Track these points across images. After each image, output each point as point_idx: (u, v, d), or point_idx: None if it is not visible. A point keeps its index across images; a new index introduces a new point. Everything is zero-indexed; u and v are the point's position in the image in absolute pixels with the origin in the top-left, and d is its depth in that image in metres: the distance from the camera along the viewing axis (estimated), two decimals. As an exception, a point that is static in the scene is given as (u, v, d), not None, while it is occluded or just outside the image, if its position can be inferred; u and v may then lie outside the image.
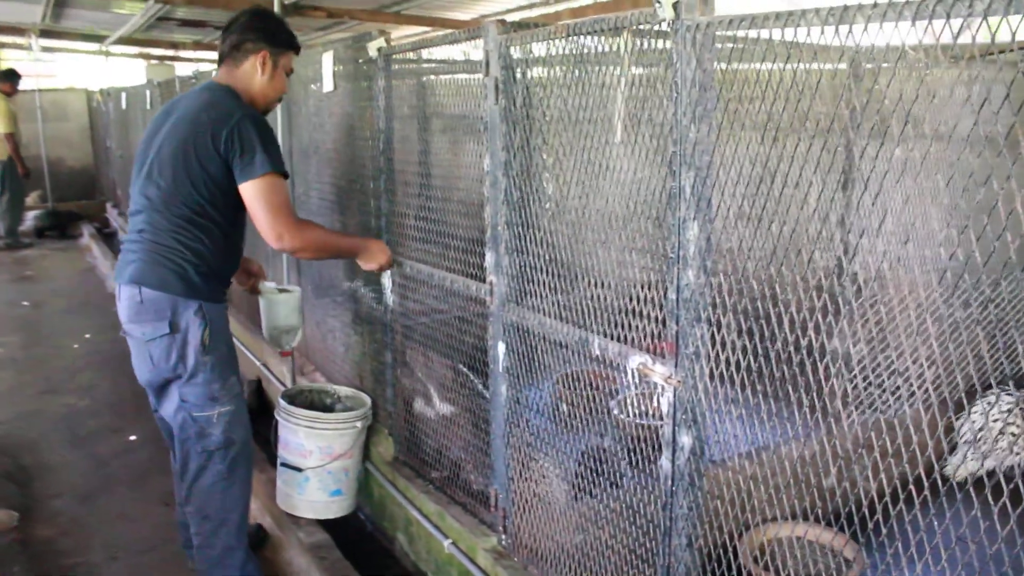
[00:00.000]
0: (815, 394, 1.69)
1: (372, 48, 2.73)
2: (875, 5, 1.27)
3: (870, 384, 2.73)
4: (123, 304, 2.41)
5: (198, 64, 10.83)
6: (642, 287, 1.77)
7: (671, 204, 1.64)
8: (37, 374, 5.07)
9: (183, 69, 11.13)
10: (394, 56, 2.69)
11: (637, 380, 1.84)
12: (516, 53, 2.14)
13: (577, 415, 2.14)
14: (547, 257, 2.06)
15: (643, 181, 1.73)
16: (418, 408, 2.91)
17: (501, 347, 2.32)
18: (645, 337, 1.80)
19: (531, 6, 6.96)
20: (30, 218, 9.95)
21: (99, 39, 9.54)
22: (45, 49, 9.84)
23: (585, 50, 1.94)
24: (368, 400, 3.11)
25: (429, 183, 2.65)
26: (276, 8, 4.18)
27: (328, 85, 3.22)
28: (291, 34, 2.56)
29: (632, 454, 1.97)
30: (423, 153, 2.81)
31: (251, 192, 2.31)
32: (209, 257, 2.38)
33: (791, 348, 1.64)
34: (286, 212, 2.35)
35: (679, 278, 1.65)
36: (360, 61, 2.98)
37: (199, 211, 2.34)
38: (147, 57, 11.11)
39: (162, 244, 2.36)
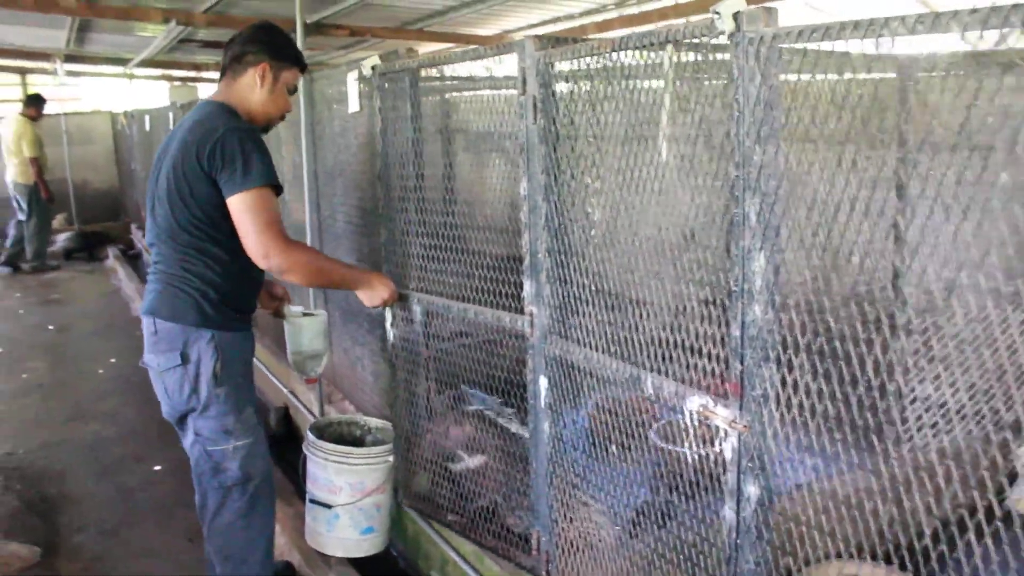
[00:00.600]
0: (874, 424, 1.54)
1: (366, 66, 2.61)
2: (974, 11, 1.13)
3: (928, 411, 2.57)
4: (144, 335, 2.36)
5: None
6: (701, 321, 1.63)
7: (734, 233, 1.51)
8: (63, 400, 4.99)
9: (206, 90, 11.14)
10: (389, 74, 2.59)
11: (696, 422, 1.69)
12: (556, 68, 2.01)
13: (615, 445, 2.00)
14: (593, 287, 1.93)
15: (701, 207, 1.59)
16: (449, 444, 2.78)
17: (543, 382, 2.18)
18: (705, 376, 1.65)
19: (555, 20, 6.87)
20: (60, 240, 9.98)
21: (123, 62, 9.56)
22: (70, 73, 9.87)
23: (632, 65, 1.81)
24: (391, 429, 2.98)
25: (452, 208, 2.52)
26: (298, 26, 4.09)
27: (353, 105, 3.12)
28: (296, 50, 2.44)
29: (681, 491, 1.82)
30: (445, 177, 2.70)
31: (236, 206, 2.16)
32: (220, 283, 2.27)
33: (862, 385, 1.49)
34: (274, 228, 2.18)
35: (744, 313, 1.51)
36: (384, 79, 2.87)
37: (202, 237, 2.24)
38: (170, 79, 11.13)
39: (173, 274, 2.28)
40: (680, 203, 1.65)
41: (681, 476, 2.03)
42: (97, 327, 6.80)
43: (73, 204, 10.74)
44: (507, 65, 2.89)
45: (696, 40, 1.58)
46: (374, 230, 3.16)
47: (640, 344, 1.81)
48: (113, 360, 5.79)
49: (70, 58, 9.11)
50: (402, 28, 6.81)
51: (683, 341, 1.68)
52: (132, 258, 9.60)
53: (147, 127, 8.38)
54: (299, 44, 3.52)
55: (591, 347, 1.97)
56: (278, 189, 2.25)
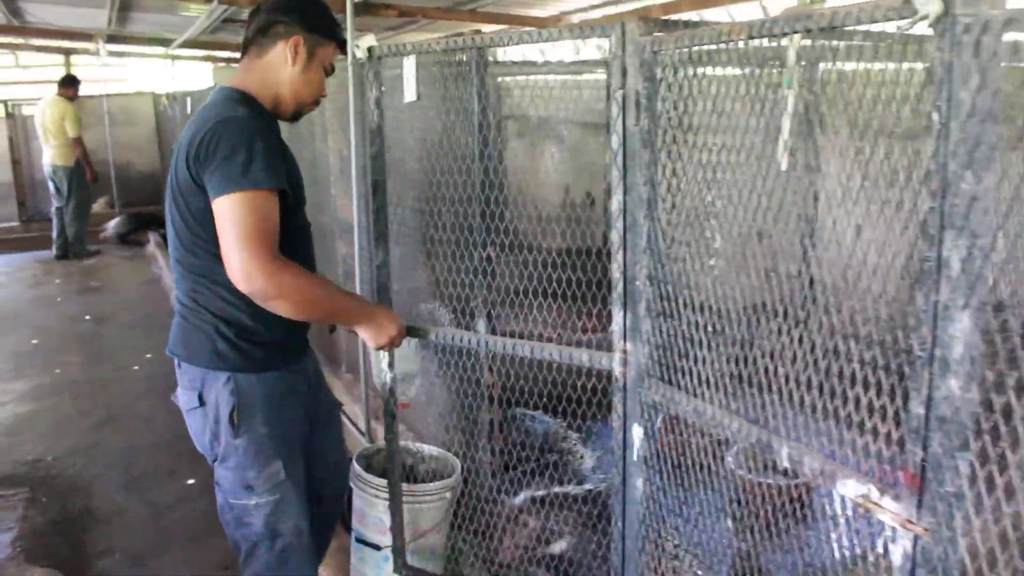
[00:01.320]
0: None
1: (361, 48, 2.20)
2: None
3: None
4: None
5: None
6: (867, 389, 1.27)
7: (922, 282, 1.15)
8: (95, 400, 4.77)
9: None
10: (385, 57, 2.23)
11: (851, 512, 1.34)
12: (664, 59, 1.65)
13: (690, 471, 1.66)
14: (711, 327, 1.57)
15: (873, 245, 1.23)
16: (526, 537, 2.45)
17: (637, 432, 1.84)
18: (867, 458, 1.30)
19: (615, 2, 6.46)
20: (111, 225, 9.83)
21: (165, 43, 9.33)
22: (112, 54, 9.69)
23: (768, 57, 1.45)
24: (458, 465, 2.65)
25: (498, 223, 2.16)
26: (348, 5, 3.76)
27: (410, 94, 2.78)
28: (335, 22, 2.03)
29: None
30: (489, 184, 2.34)
31: (218, 212, 1.75)
32: (236, 316, 1.90)
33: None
34: (258, 242, 1.72)
35: (932, 387, 1.15)
36: (448, 65, 2.54)
37: (209, 259, 1.85)
38: (213, 60, 10.90)
39: (186, 305, 1.95)
40: (839, 236, 1.29)
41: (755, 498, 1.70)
42: (135, 319, 6.59)
43: (115, 187, 10.59)
44: (580, 49, 2.53)
45: (872, 27, 1.22)
46: (430, 235, 2.83)
47: (775, 405, 1.45)
48: (149, 356, 5.56)
49: (112, 38, 8.91)
50: (454, 8, 6.45)
51: (838, 410, 1.32)
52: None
53: (188, 109, 8.15)
54: (348, 26, 3.19)
55: (704, 398, 1.62)
56: (286, 195, 1.83)
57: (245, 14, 7.14)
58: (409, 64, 2.72)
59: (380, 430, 3.42)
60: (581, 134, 3.77)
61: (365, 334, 2.06)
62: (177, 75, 11.24)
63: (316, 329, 4.39)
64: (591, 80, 5.07)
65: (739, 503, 2.05)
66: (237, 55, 9.42)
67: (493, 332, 2.55)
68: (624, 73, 1.70)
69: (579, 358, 1.89)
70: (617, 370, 1.85)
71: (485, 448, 2.58)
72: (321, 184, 3.96)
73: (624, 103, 1.71)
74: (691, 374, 1.65)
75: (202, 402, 1.92)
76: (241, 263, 1.71)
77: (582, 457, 3.16)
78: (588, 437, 3.14)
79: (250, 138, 1.75)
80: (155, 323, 6.38)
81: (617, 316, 1.83)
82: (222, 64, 10.97)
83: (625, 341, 1.82)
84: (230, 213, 1.72)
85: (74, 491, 3.63)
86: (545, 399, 2.33)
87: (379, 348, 2.11)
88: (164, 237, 9.30)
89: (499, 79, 3.27)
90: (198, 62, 11.23)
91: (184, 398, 1.98)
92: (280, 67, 1.93)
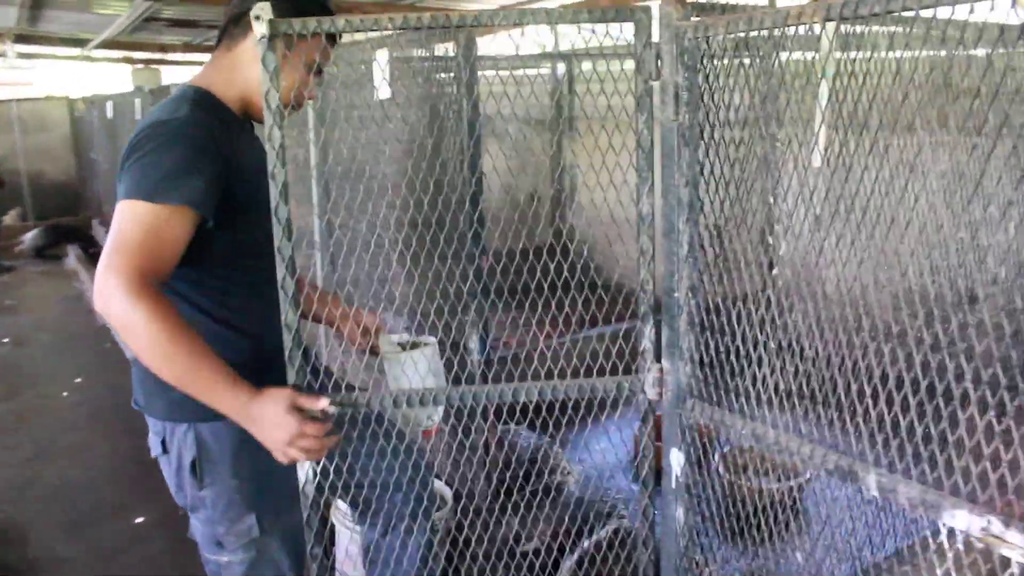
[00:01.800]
0: None
1: (260, 24, 1.64)
2: None
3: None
4: None
5: (186, 67, 10.13)
6: (982, 411, 1.12)
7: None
8: (23, 433, 4.37)
9: (172, 74, 10.43)
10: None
11: (961, 546, 1.19)
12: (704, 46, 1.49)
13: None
14: (774, 343, 1.41)
15: (994, 252, 1.08)
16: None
17: (677, 457, 1.67)
18: (984, 488, 1.15)
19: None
20: (28, 238, 9.21)
21: (80, 43, 8.82)
22: (21, 55, 9.10)
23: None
24: (449, 496, 2.44)
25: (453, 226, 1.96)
26: None
27: (384, 91, 2.56)
28: (324, 10, 1.60)
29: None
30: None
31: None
32: (213, 344, 1.53)
33: None
34: (131, 261, 1.39)
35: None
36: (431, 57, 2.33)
37: (176, 285, 1.57)
38: (132, 61, 10.37)
39: None
40: (944, 240, 1.14)
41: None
42: (58, 340, 6.14)
43: (28, 198, 9.97)
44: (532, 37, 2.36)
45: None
46: (412, 249, 2.61)
47: (859, 428, 1.30)
48: (79, 380, 5.16)
49: (21, 38, 8.35)
50: (393, 3, 6.21)
51: (944, 432, 1.17)
52: (94, 257, 8.88)
53: (109, 114, 7.68)
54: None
55: (764, 421, 1.46)
56: (196, 214, 1.48)
57: (168, 12, 6.76)
58: (382, 58, 2.51)
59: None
60: (524, 131, 3.60)
61: (253, 431, 1.50)
62: (92, 77, 10.67)
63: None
64: (531, 75, 4.91)
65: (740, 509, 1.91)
66: (158, 56, 8.86)
67: (483, 345, 2.36)
68: (658, 62, 1.53)
69: (605, 389, 1.70)
70: (651, 392, 1.67)
71: (478, 476, 2.38)
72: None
73: (661, 96, 1.53)
74: (748, 395, 1.49)
75: (165, 449, 1.67)
76: (100, 276, 1.40)
77: (569, 473, 3.00)
78: (563, 447, 2.99)
79: (174, 145, 1.48)
80: (82, 344, 5.96)
81: (647, 331, 1.65)
82: (141, 66, 10.46)
83: (663, 359, 1.64)
84: (116, 221, 1.45)
85: (6, 540, 3.27)
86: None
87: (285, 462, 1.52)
88: (85, 250, 8.74)
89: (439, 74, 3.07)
90: (115, 63, 10.68)
91: (151, 443, 1.73)
92: (251, 63, 1.58)
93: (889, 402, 1.25)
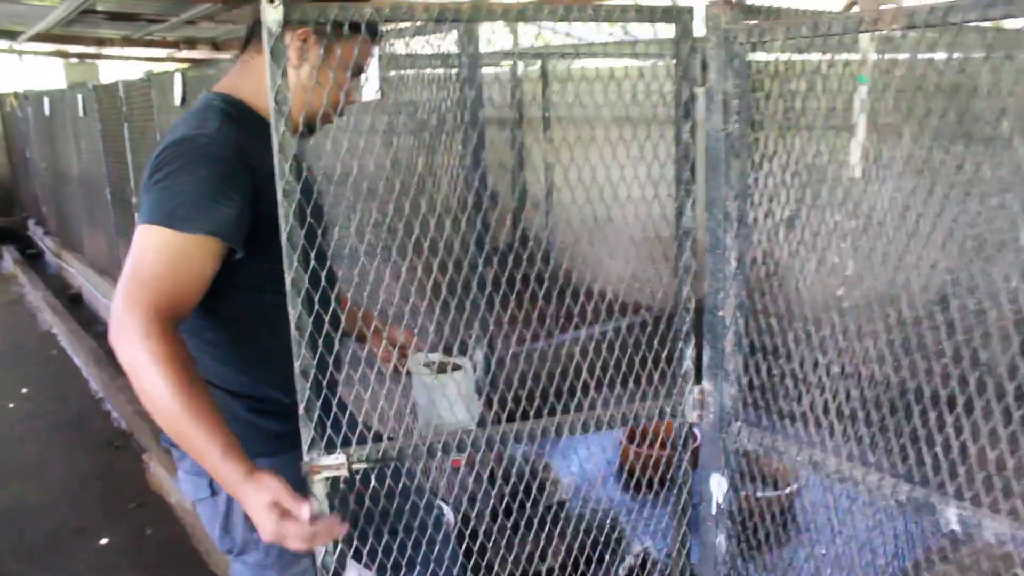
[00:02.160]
0: None
1: (272, 9, 1.57)
2: None
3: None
4: None
5: (125, 63, 9.72)
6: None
7: None
8: (-32, 452, 4.11)
9: (110, 69, 10.01)
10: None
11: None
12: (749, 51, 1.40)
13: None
14: (837, 367, 1.34)
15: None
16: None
17: (718, 482, 1.59)
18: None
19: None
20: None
21: (10, 35, 8.37)
22: (-54, 48, 8.62)
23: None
24: (451, 516, 2.32)
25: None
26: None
27: (371, 90, 2.42)
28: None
29: None
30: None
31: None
32: (249, 384, 1.50)
33: None
34: (146, 295, 1.26)
35: None
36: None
37: (194, 315, 1.38)
38: (66, 55, 9.91)
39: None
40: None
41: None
42: (0, 349, 5.82)
43: (-44, 198, 9.49)
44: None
45: None
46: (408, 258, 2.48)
47: (938, 460, 1.23)
48: (25, 391, 4.89)
49: (-54, 31, 7.90)
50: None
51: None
52: (32, 259, 8.47)
53: (46, 111, 7.31)
54: None
55: (823, 448, 1.39)
56: (223, 245, 1.34)
57: (106, 5, 6.45)
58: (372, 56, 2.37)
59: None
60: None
61: (242, 502, 1.32)
62: (20, 72, 10.19)
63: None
64: (488, 74, 4.79)
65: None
66: (94, 50, 8.49)
67: (487, 364, 2.25)
68: (703, 66, 1.44)
69: (648, 414, 1.60)
70: (691, 415, 1.59)
71: (478, 494, 2.27)
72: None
73: (707, 103, 1.44)
74: (805, 419, 1.41)
75: (215, 491, 1.52)
76: (116, 309, 1.27)
77: (557, 482, 2.91)
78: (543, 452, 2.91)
79: (201, 165, 1.34)
80: (25, 351, 5.66)
81: (687, 351, 1.57)
82: (75, 60, 10.02)
83: (704, 380, 1.56)
84: (134, 246, 1.31)
85: (-40, 570, 3.06)
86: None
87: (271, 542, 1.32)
88: (22, 252, 8.35)
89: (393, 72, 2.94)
90: (46, 57, 10.20)
91: (189, 485, 1.56)
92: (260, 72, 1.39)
93: (976, 435, 1.18)
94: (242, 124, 1.43)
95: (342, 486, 1.38)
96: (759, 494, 2.42)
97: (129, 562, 3.06)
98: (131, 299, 1.24)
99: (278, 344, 1.34)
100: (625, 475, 3.05)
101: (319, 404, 1.33)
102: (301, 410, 1.35)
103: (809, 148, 1.38)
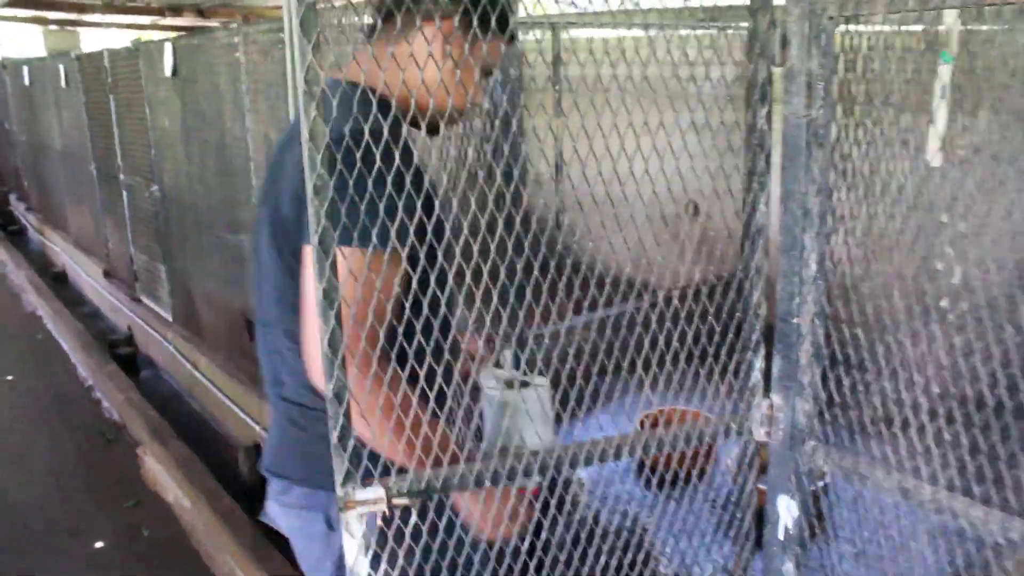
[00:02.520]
0: None
1: None
2: None
3: None
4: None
5: (107, 30, 9.40)
6: None
7: None
8: (-51, 441, 3.94)
9: (91, 36, 9.69)
10: None
11: None
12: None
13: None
14: (936, 386, 1.18)
15: None
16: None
17: (787, 505, 1.44)
18: None
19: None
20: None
21: (-14, 1, 8.05)
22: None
23: None
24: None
25: None
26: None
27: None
28: (507, 7, 1.34)
29: None
30: None
31: (309, 272, 1.18)
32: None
33: None
34: (358, 333, 1.14)
35: None
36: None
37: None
38: (44, 21, 9.58)
39: (299, 403, 1.34)
40: None
41: None
42: (-18, 331, 5.63)
43: (-68, 171, 9.18)
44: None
45: None
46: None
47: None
48: (11, 377, 4.69)
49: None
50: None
51: None
52: (13, 235, 8.21)
53: (26, 80, 7.03)
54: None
55: (921, 476, 1.24)
56: (405, 251, 1.19)
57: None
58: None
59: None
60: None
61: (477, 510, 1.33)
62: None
63: (233, 346, 3.76)
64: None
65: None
66: (74, 16, 8.21)
67: (516, 362, 2.08)
68: (782, 42, 1.26)
69: (712, 435, 1.44)
70: (759, 432, 1.43)
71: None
72: (236, 176, 3.31)
73: (786, 85, 1.27)
74: (895, 442, 1.26)
75: (331, 526, 1.33)
76: (348, 361, 1.09)
77: (583, 485, 2.77)
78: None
79: (372, 165, 1.15)
80: (8, 334, 5.46)
81: (755, 362, 1.41)
82: (55, 27, 9.68)
83: (774, 394, 1.41)
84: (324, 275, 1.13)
85: (-56, 573, 2.90)
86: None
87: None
88: (3, 228, 8.10)
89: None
90: (24, 23, 9.85)
91: (295, 520, 1.38)
92: (419, 60, 1.30)
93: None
94: (395, 119, 1.24)
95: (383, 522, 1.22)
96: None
97: (126, 566, 2.91)
98: (356, 341, 1.12)
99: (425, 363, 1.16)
100: (647, 470, 2.91)
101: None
102: (334, 438, 1.18)
103: (904, 137, 1.22)
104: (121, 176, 4.87)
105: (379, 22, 1.36)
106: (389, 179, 1.12)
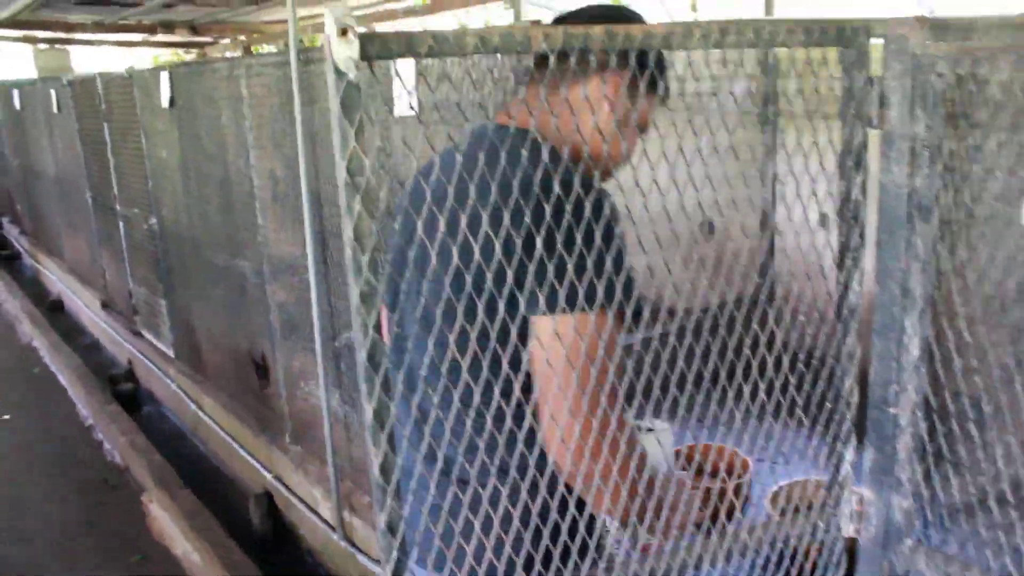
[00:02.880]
0: None
1: (336, 33, 1.28)
2: None
3: None
4: None
5: (98, 48, 9.24)
6: None
7: None
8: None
9: (81, 56, 9.53)
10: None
11: None
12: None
13: None
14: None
15: None
16: None
17: (880, 612, 1.29)
18: None
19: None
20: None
21: (-25, 22, 7.88)
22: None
23: None
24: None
25: None
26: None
27: (404, 105, 2.08)
28: (663, 66, 1.33)
29: None
30: None
31: (543, 339, 1.12)
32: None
33: None
34: (606, 406, 1.11)
35: None
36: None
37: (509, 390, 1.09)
38: (33, 40, 9.41)
39: (465, 481, 1.18)
40: None
41: None
42: (-26, 366, 5.45)
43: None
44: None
45: None
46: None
47: None
48: (7, 417, 4.52)
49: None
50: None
51: None
52: (6, 260, 8.03)
53: (17, 105, 6.87)
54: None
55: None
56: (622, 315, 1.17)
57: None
58: (407, 67, 2.04)
59: (356, 524, 2.74)
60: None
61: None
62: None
63: (239, 386, 3.60)
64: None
65: None
66: (63, 35, 8.00)
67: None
68: (881, 101, 1.11)
69: (799, 536, 1.29)
70: (847, 528, 1.28)
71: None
72: (240, 212, 3.15)
73: (884, 150, 1.12)
74: (1017, 553, 1.11)
75: None
76: (573, 430, 1.11)
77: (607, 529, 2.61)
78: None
79: (611, 221, 1.15)
80: (3, 369, 5.27)
81: (846, 454, 1.26)
82: (44, 46, 9.51)
83: (864, 487, 1.26)
84: (557, 341, 1.09)
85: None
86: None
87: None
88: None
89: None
90: (13, 43, 9.68)
91: None
92: (585, 112, 1.28)
93: None
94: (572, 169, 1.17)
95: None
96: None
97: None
98: (600, 426, 1.09)
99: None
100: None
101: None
102: (381, 523, 1.00)
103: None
104: (118, 207, 4.70)
105: (536, 70, 1.33)
106: (598, 232, 1.07)
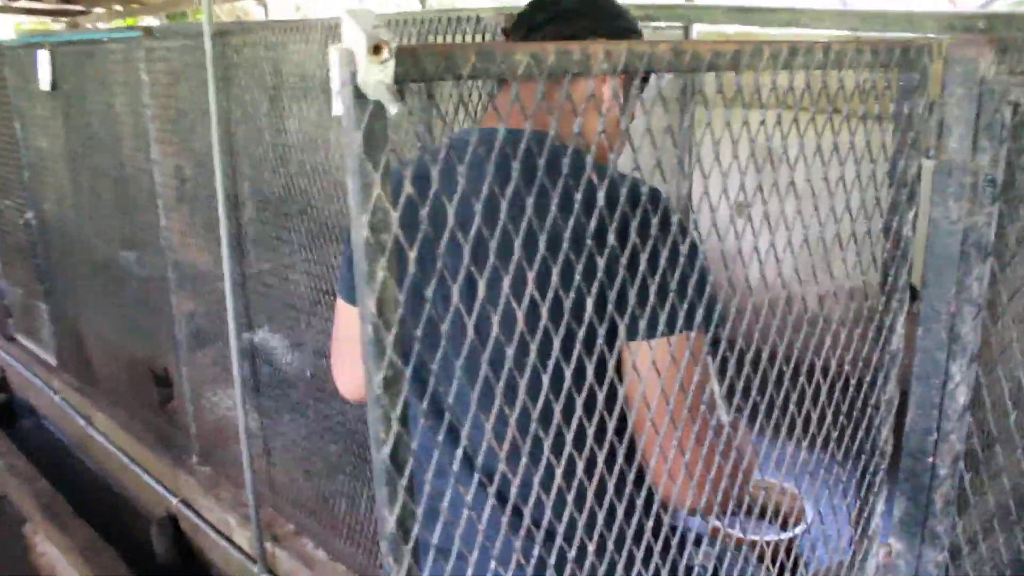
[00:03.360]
0: None
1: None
2: None
3: None
4: None
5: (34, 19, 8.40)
6: None
7: None
8: None
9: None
10: None
11: None
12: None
13: None
14: None
15: None
16: None
17: (907, 672, 1.21)
18: None
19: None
20: None
21: None
22: None
23: None
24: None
25: None
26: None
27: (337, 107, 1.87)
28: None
29: None
30: None
31: (651, 362, 0.99)
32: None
33: None
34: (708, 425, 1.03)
35: None
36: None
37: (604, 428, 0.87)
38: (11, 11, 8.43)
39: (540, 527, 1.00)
40: None
41: None
42: None
43: None
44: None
45: None
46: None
47: None
48: None
49: None
50: None
51: None
52: None
53: None
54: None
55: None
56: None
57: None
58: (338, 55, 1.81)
59: (279, 554, 2.52)
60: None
61: None
62: None
63: (137, 400, 3.28)
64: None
65: None
66: (46, 6, 7.27)
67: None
68: (941, 130, 1.01)
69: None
70: (874, 580, 1.20)
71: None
72: (139, 212, 2.83)
73: (938, 181, 1.02)
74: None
75: None
76: (690, 466, 1.00)
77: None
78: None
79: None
80: None
81: (877, 506, 1.17)
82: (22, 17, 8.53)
83: (888, 538, 1.17)
84: (671, 362, 0.99)
85: None
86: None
87: None
88: None
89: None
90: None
91: None
92: (592, 110, 1.20)
93: None
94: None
95: None
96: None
97: None
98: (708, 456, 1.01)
99: None
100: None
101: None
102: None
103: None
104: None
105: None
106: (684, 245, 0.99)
